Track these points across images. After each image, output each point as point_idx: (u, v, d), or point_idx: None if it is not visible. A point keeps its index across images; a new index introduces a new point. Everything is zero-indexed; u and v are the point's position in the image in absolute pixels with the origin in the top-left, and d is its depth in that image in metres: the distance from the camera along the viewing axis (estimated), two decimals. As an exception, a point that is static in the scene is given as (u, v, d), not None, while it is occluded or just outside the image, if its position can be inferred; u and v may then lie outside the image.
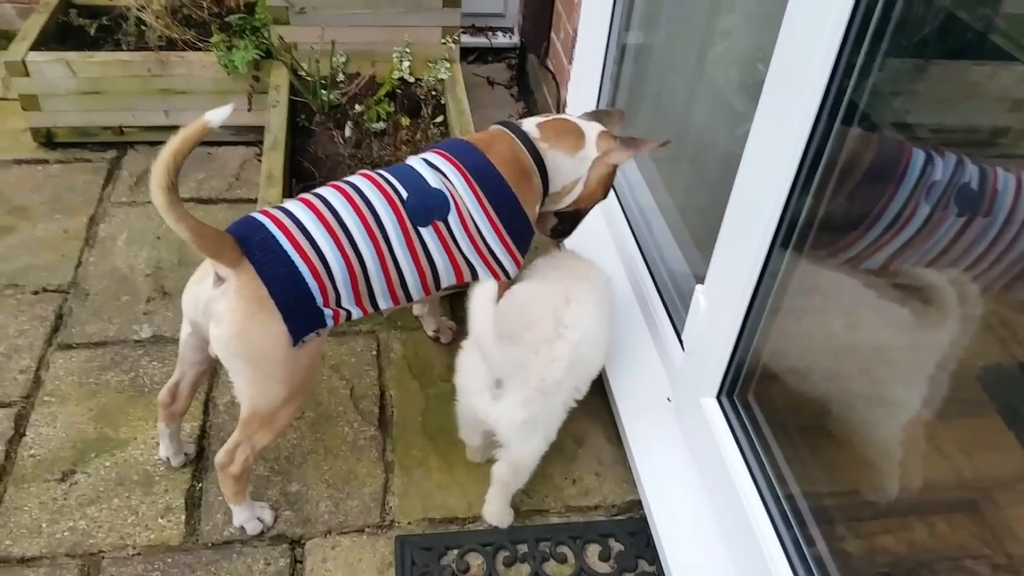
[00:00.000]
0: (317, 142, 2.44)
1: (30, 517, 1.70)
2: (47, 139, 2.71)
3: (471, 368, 1.63)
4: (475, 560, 1.70)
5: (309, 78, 2.53)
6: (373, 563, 1.68)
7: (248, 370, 1.50)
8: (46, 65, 2.56)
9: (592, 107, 2.63)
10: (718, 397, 1.72)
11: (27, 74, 2.55)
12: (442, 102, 2.69)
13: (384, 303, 1.64)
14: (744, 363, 1.64)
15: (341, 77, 2.60)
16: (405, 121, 2.51)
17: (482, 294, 1.49)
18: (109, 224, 2.45)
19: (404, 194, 1.62)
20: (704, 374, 1.71)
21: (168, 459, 1.80)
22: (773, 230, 1.44)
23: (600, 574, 1.69)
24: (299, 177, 2.35)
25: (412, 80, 2.75)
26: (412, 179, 1.65)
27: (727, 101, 2.07)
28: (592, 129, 1.86)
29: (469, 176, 1.69)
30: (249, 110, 2.68)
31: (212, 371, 1.94)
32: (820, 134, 1.32)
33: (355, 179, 1.65)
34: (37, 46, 2.60)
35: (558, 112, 2.75)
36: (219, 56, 2.58)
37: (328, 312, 1.53)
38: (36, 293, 2.21)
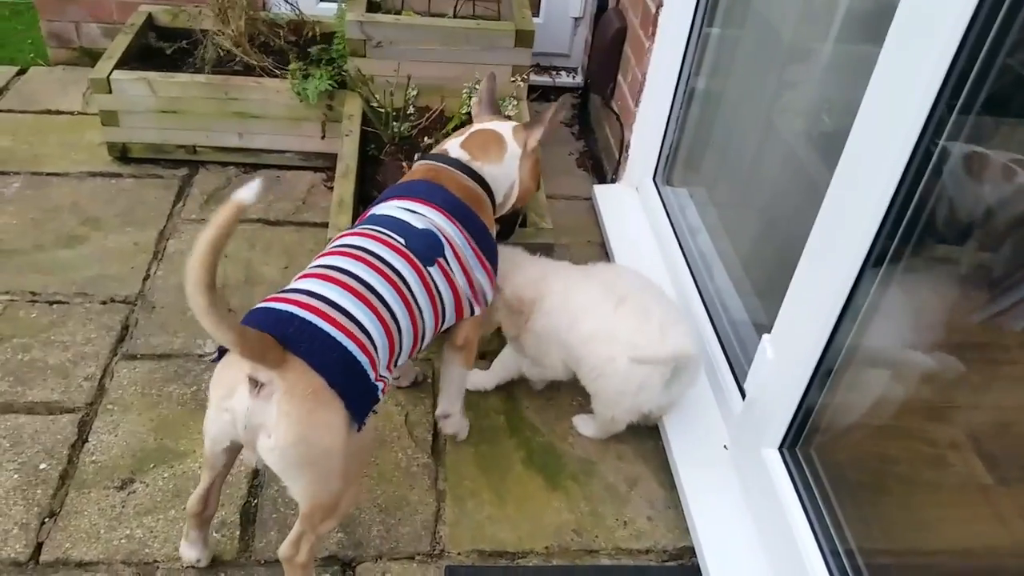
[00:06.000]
0: (386, 171, 2.48)
1: (89, 522, 1.73)
2: (122, 154, 2.79)
3: (652, 386, 1.82)
4: (524, 597, 1.69)
5: (382, 109, 2.59)
6: (423, 592, 1.68)
7: (309, 474, 1.39)
8: (128, 83, 2.64)
9: (656, 150, 2.66)
10: (780, 449, 1.70)
11: (110, 91, 2.64)
12: (507, 138, 2.73)
13: (404, 358, 1.56)
14: (810, 416, 1.62)
15: (411, 110, 2.65)
16: (471, 155, 2.55)
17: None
18: (178, 240, 2.51)
19: (402, 241, 1.57)
20: (766, 424, 1.69)
21: (197, 561, 1.67)
22: (850, 287, 1.43)
23: (650, 620, 1.68)
24: (366, 204, 2.38)
25: (479, 115, 2.80)
26: (400, 227, 1.60)
27: (793, 151, 2.07)
28: (505, 127, 1.86)
29: (447, 212, 1.67)
30: (323, 138, 2.74)
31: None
32: (908, 184, 1.32)
33: (353, 239, 1.58)
34: (120, 65, 2.69)
35: (621, 152, 2.78)
36: (293, 84, 2.65)
37: (379, 385, 1.45)
38: (104, 303, 2.27)
